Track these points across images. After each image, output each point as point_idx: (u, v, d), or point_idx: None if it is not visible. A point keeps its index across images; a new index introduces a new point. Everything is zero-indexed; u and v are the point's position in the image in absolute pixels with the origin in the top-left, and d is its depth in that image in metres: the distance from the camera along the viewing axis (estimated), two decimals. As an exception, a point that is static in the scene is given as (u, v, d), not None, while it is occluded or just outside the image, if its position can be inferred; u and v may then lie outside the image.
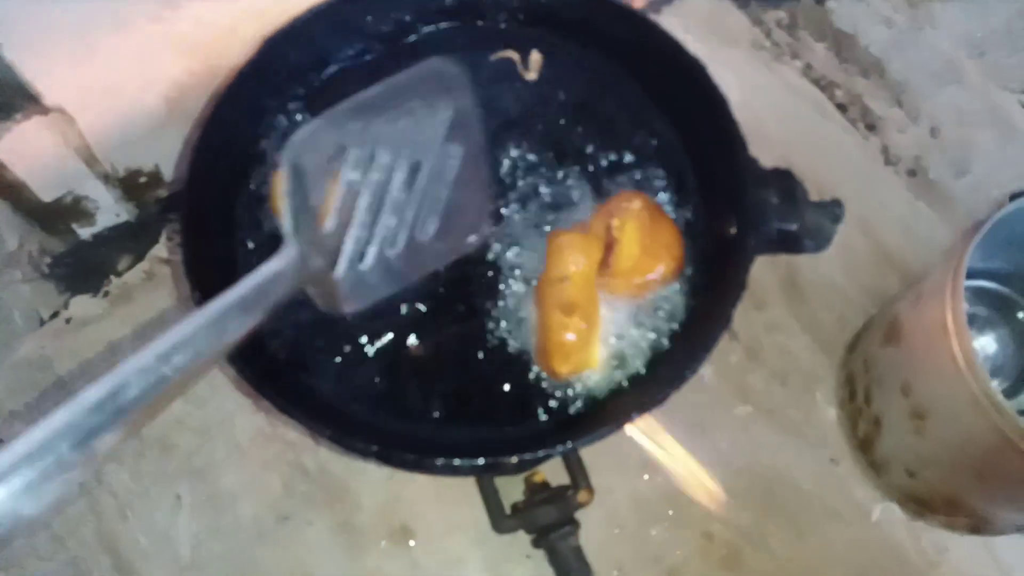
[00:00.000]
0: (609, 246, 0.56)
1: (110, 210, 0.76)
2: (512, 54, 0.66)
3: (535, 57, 0.65)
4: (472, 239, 0.49)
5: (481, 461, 0.48)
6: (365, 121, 0.43)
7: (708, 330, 0.52)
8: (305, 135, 0.42)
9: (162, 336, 0.35)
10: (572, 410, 0.55)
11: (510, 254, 0.60)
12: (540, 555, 0.66)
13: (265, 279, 0.39)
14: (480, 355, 0.58)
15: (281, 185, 0.42)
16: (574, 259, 0.55)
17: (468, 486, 0.68)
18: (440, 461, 0.48)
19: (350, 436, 0.49)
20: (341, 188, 0.43)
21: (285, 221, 0.41)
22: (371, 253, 0.45)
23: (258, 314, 0.38)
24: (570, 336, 0.54)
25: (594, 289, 0.56)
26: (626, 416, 0.49)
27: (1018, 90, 0.85)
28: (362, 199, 0.44)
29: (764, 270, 0.79)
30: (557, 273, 0.55)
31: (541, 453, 0.48)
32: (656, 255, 0.57)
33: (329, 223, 0.43)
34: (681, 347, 0.55)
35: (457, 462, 0.48)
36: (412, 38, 0.67)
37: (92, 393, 0.33)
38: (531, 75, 0.65)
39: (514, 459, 0.48)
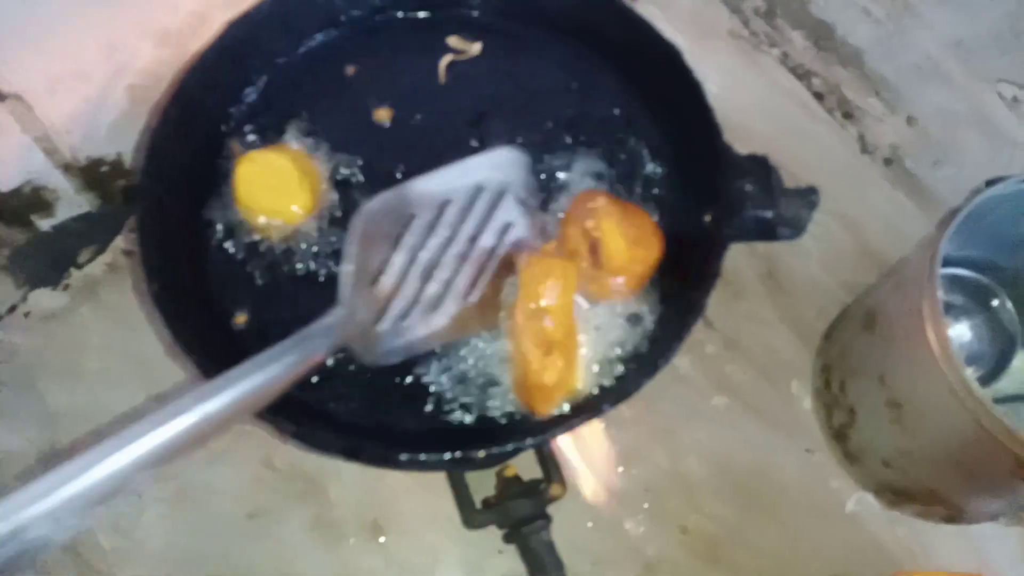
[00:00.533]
0: (593, 248, 0.55)
1: (71, 201, 0.74)
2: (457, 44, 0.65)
3: (474, 48, 0.65)
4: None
5: (448, 455, 0.46)
6: (434, 196, 0.48)
7: (682, 320, 0.51)
8: (378, 204, 0.46)
9: (207, 387, 0.38)
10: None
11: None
12: (513, 550, 0.65)
13: (314, 333, 0.43)
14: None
15: (348, 247, 0.46)
16: (552, 289, 0.52)
17: (441, 480, 0.67)
18: (405, 456, 0.46)
19: (314, 433, 0.47)
20: (401, 253, 0.47)
21: (344, 283, 0.45)
22: (415, 313, 0.49)
23: (300, 367, 0.42)
24: (549, 377, 0.51)
25: (572, 316, 0.54)
26: (597, 408, 0.48)
27: (995, 80, 0.84)
28: (417, 266, 0.48)
29: (742, 259, 0.78)
30: (534, 304, 0.52)
31: (510, 447, 0.47)
32: (643, 243, 0.56)
33: (385, 282, 0.47)
34: (655, 337, 0.54)
35: (423, 457, 0.46)
36: (381, 20, 0.65)
37: (143, 440, 0.36)
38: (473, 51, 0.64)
39: (481, 453, 0.47)
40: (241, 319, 0.57)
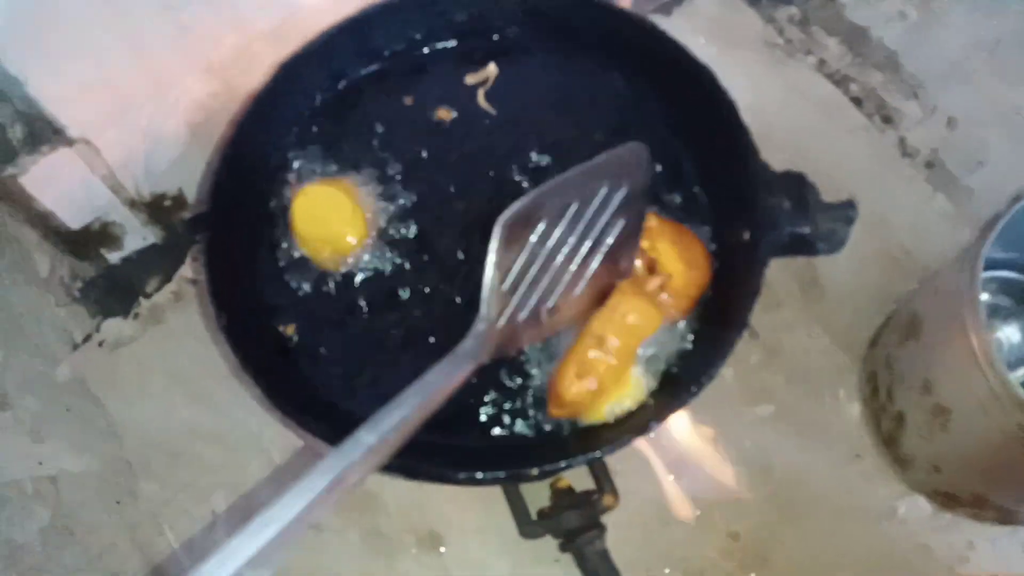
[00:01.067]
0: (651, 268, 0.57)
1: (137, 234, 0.78)
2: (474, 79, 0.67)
3: (490, 69, 0.67)
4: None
5: (503, 474, 0.49)
6: (560, 198, 0.49)
7: (724, 335, 0.52)
8: (513, 214, 0.47)
9: (379, 412, 0.43)
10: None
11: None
12: (568, 559, 0.67)
13: (465, 352, 0.46)
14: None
15: (489, 258, 0.47)
16: (625, 329, 0.54)
17: (495, 492, 0.69)
18: (463, 475, 0.48)
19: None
20: (524, 254, 0.49)
21: (486, 297, 0.48)
22: (528, 306, 0.50)
23: (456, 382, 0.45)
24: (569, 394, 0.54)
25: (629, 359, 0.55)
26: (644, 425, 0.50)
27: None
28: (536, 264, 0.49)
29: (782, 269, 0.79)
30: (602, 331, 0.54)
31: (563, 464, 0.49)
32: (695, 263, 0.58)
33: (507, 282, 0.49)
34: (698, 352, 0.55)
35: (480, 475, 0.49)
36: (424, 51, 0.68)
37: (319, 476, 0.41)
38: (473, 79, 0.66)
39: (535, 471, 0.49)
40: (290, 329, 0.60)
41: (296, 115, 0.65)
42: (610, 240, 0.52)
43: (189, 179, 0.77)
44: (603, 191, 0.50)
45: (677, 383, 0.54)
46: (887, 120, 0.84)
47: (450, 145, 0.66)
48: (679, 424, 0.73)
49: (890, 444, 0.70)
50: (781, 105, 0.84)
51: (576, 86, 0.67)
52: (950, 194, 0.81)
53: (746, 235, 0.55)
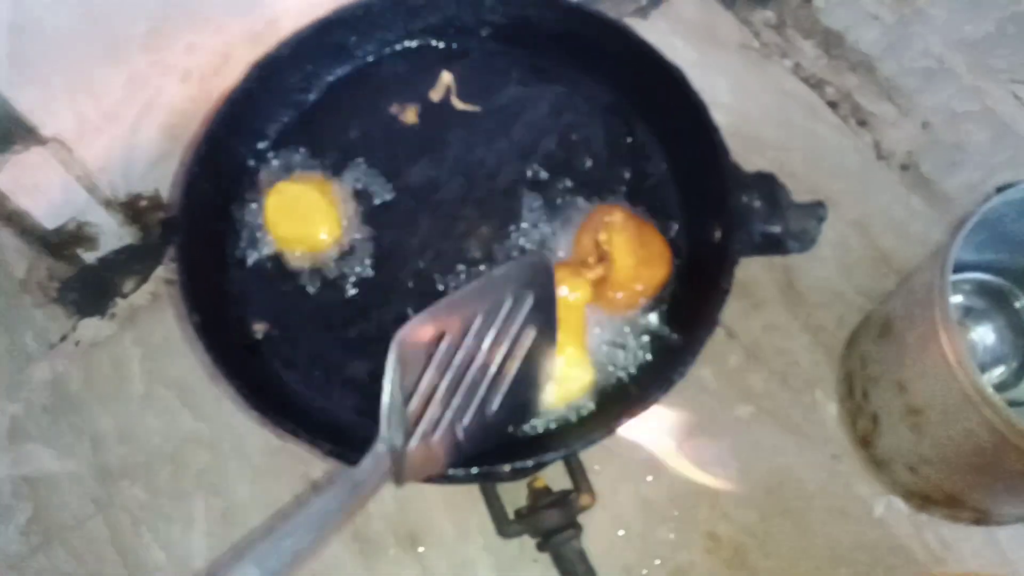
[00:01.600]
0: (601, 259, 0.57)
1: (113, 234, 0.78)
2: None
3: (445, 78, 0.67)
4: (528, 418, 0.53)
5: (475, 470, 0.49)
6: (461, 313, 0.47)
7: (695, 334, 0.52)
8: (410, 330, 0.45)
9: (264, 542, 0.40)
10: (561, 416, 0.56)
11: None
12: (546, 559, 0.67)
13: (360, 477, 0.43)
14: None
15: (386, 378, 0.44)
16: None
17: (474, 493, 0.69)
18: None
19: (350, 450, 0.50)
20: (430, 373, 0.46)
21: (384, 416, 0.44)
22: (441, 427, 0.47)
23: (353, 509, 0.43)
24: None
25: (578, 332, 0.56)
26: (615, 421, 0.50)
27: (1008, 80, 0.85)
28: (444, 381, 0.47)
29: (761, 270, 0.79)
30: None
31: (531, 462, 0.49)
32: (649, 262, 0.58)
33: (413, 404, 0.46)
34: (669, 351, 0.56)
35: (451, 472, 0.49)
36: (398, 52, 0.68)
37: None
38: (436, 95, 0.66)
39: (507, 467, 0.49)
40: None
41: (270, 115, 0.65)
42: (522, 353, 0.50)
43: (165, 180, 0.77)
44: (508, 302, 0.49)
45: (648, 382, 0.54)
46: (862, 123, 0.85)
47: (423, 144, 0.66)
48: (658, 424, 0.73)
49: (866, 445, 0.70)
50: (758, 107, 0.85)
51: (547, 88, 0.67)
52: (925, 196, 0.82)
53: (717, 234, 0.56)
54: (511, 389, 0.50)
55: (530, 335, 0.50)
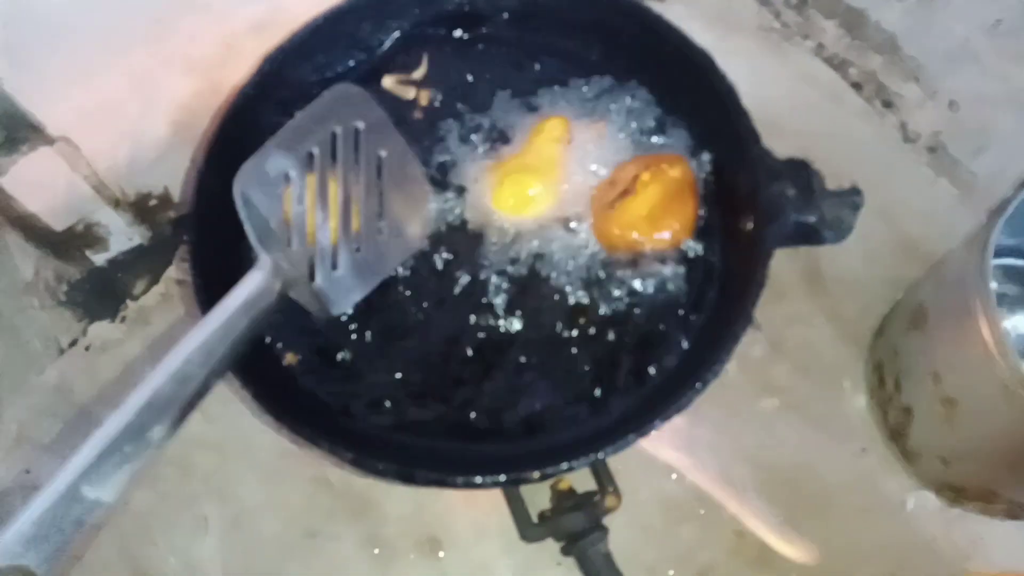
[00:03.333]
0: (625, 192, 0.57)
1: (122, 234, 0.76)
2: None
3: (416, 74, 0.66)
4: (420, 227, 0.57)
5: (503, 477, 0.47)
6: (297, 147, 0.51)
7: (729, 329, 0.50)
8: (247, 170, 0.50)
9: (169, 357, 0.45)
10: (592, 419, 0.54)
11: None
12: (571, 562, 0.65)
13: (249, 293, 0.47)
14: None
15: (243, 218, 0.50)
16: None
17: (495, 495, 0.68)
18: (461, 479, 0.47)
19: (371, 458, 0.48)
20: (293, 208, 0.51)
21: (252, 242, 0.50)
22: (342, 259, 0.52)
23: (247, 326, 0.46)
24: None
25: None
26: (649, 423, 0.49)
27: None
28: (317, 214, 0.51)
29: (784, 261, 0.75)
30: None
31: (564, 466, 0.47)
32: (656, 225, 0.58)
33: (294, 242, 0.51)
34: (702, 347, 0.54)
35: (478, 479, 0.47)
36: (412, 40, 0.66)
37: (129, 409, 0.43)
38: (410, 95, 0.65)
39: (536, 474, 0.47)
40: (292, 358, 0.59)
41: (283, 109, 0.63)
42: (384, 173, 0.55)
43: (174, 177, 0.75)
44: (342, 131, 0.53)
45: (681, 380, 0.52)
46: (887, 104, 0.83)
47: (435, 134, 0.64)
48: (681, 420, 0.70)
49: (897, 437, 0.69)
50: (780, 91, 0.83)
51: (570, 74, 0.65)
52: (953, 178, 0.80)
53: (749, 225, 0.54)
54: (394, 207, 0.55)
55: (383, 156, 0.55)
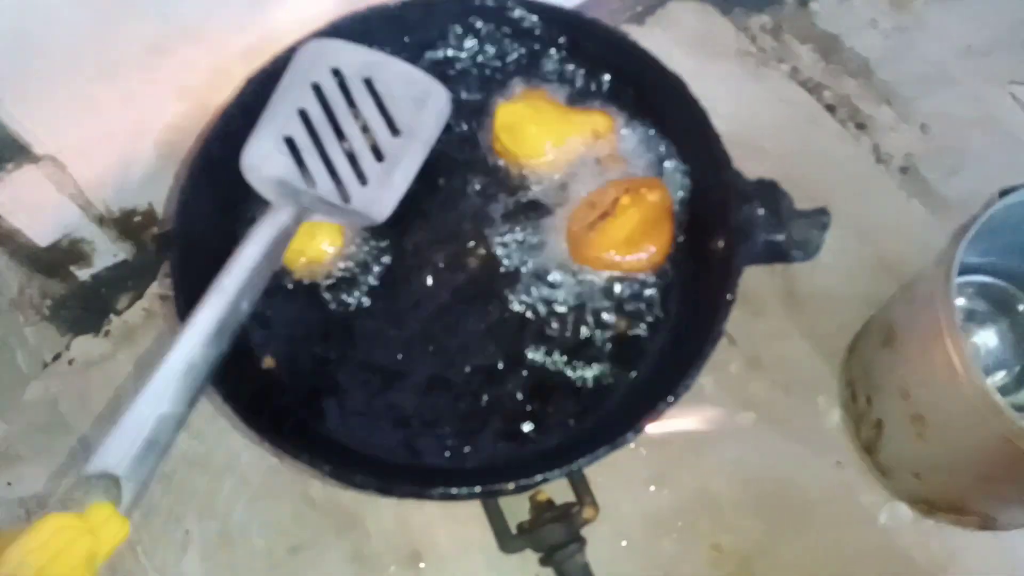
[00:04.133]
0: (605, 214, 0.59)
1: (107, 251, 0.76)
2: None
3: None
4: (437, 111, 0.61)
5: (479, 489, 0.48)
6: (287, 113, 0.58)
7: (700, 345, 0.52)
8: (250, 151, 0.57)
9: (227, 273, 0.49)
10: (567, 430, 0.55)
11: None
12: (549, 573, 0.66)
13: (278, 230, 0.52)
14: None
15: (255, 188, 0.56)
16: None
17: (476, 508, 0.68)
18: (438, 491, 0.48)
19: (349, 471, 0.49)
20: (307, 159, 0.57)
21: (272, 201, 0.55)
22: (368, 173, 0.58)
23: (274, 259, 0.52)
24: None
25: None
26: (622, 436, 0.50)
27: (1007, 83, 0.84)
28: (331, 150, 0.57)
29: (761, 278, 0.79)
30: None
31: (538, 478, 0.48)
32: (634, 247, 0.60)
33: (319, 182, 0.57)
34: (674, 362, 0.55)
35: (454, 491, 0.48)
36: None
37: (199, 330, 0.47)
38: None
39: (511, 486, 0.48)
40: (269, 362, 0.59)
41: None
42: (380, 88, 0.60)
43: (159, 195, 0.76)
44: (321, 80, 0.59)
45: (651, 395, 0.53)
46: (861, 127, 0.85)
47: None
48: (659, 434, 0.72)
49: (870, 451, 0.70)
50: (757, 114, 0.85)
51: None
52: (925, 200, 0.82)
53: (720, 243, 0.55)
54: (401, 114, 0.60)
55: (372, 77, 0.60)
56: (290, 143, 0.58)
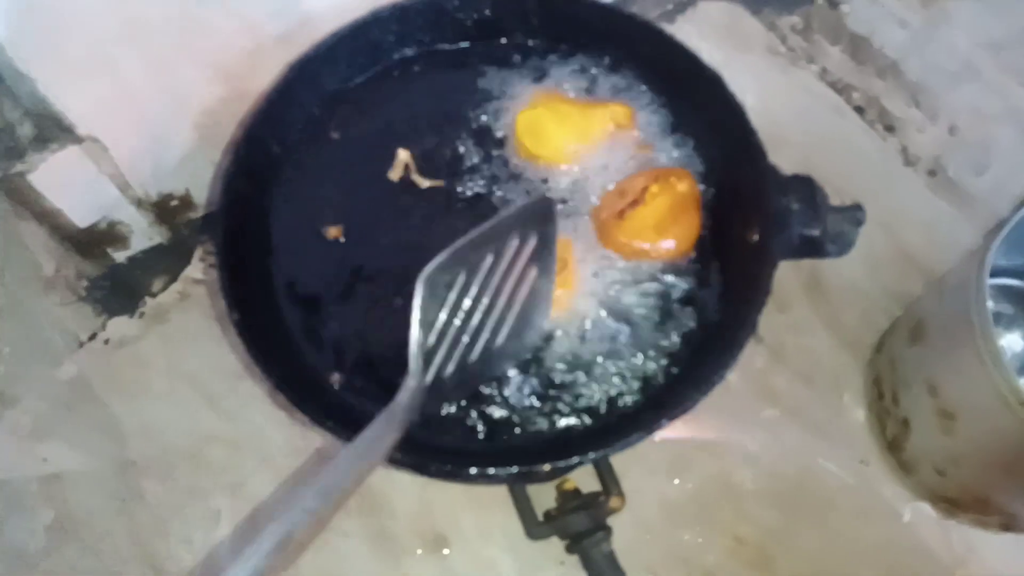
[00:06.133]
0: (635, 202, 0.60)
1: (143, 234, 0.78)
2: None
3: (402, 156, 0.65)
4: (532, 342, 0.56)
5: (515, 469, 0.49)
6: (477, 251, 0.50)
7: (734, 336, 0.52)
8: (435, 266, 0.48)
9: (321, 476, 0.43)
10: (600, 417, 0.56)
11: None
12: (574, 560, 0.67)
13: (397, 410, 0.46)
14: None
15: (414, 315, 0.47)
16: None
17: (501, 493, 0.69)
18: (474, 470, 0.49)
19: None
20: (447, 308, 0.49)
21: (413, 353, 0.48)
22: (453, 361, 0.50)
23: (391, 441, 0.46)
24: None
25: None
26: (655, 423, 0.50)
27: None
28: (456, 318, 0.49)
29: (787, 272, 0.78)
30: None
31: (575, 460, 0.49)
32: (663, 235, 0.60)
33: (431, 338, 0.49)
34: (707, 353, 0.56)
35: (492, 471, 0.49)
36: (434, 53, 0.69)
37: (268, 538, 0.40)
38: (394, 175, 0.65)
39: (547, 467, 0.49)
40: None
41: (306, 116, 0.65)
42: (525, 290, 0.53)
43: (197, 180, 0.77)
44: (515, 242, 0.51)
45: (685, 385, 0.54)
46: (889, 128, 0.85)
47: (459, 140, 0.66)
48: (684, 427, 0.73)
49: (894, 448, 0.70)
50: (785, 112, 0.85)
51: (583, 90, 0.67)
52: (952, 199, 0.82)
53: (755, 236, 0.56)
54: (515, 323, 0.53)
55: (532, 273, 0.53)
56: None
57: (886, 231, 0.80)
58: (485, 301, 0.51)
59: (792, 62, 0.89)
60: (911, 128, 0.85)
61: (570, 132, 0.63)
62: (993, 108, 0.85)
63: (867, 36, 0.88)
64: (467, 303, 0.50)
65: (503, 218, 0.50)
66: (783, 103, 0.86)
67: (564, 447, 0.51)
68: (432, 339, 0.48)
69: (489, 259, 0.50)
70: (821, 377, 0.76)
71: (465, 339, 0.50)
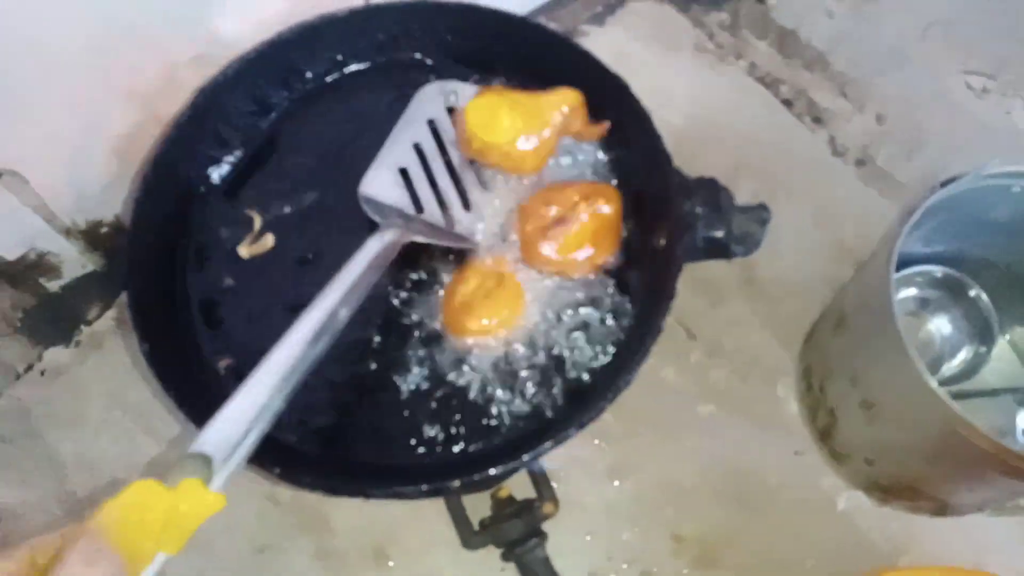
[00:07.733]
0: (561, 220, 0.59)
1: (75, 262, 0.77)
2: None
3: (268, 240, 0.67)
4: None
5: (424, 487, 0.49)
6: (404, 146, 0.63)
7: (641, 341, 0.53)
8: (370, 178, 0.61)
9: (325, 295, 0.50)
10: (514, 428, 0.56)
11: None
12: (512, 568, 0.67)
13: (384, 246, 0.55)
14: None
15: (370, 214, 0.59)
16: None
17: (440, 504, 0.70)
18: (381, 490, 0.49)
19: (299, 473, 0.50)
20: (420, 189, 0.62)
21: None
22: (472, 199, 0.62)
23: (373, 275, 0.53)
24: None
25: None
26: (564, 432, 0.51)
27: (962, 71, 0.85)
28: (439, 175, 0.62)
29: (722, 267, 0.80)
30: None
31: (476, 476, 0.49)
32: (584, 251, 0.60)
33: (427, 208, 0.61)
34: (616, 358, 0.56)
35: (399, 490, 0.49)
36: (347, 72, 0.69)
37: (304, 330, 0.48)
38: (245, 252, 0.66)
39: (456, 483, 0.49)
40: (224, 362, 0.60)
41: (219, 140, 0.65)
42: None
43: (125, 206, 0.77)
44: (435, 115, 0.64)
45: (593, 390, 0.55)
46: (817, 120, 0.86)
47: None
48: (621, 427, 0.73)
49: (826, 439, 0.71)
50: (715, 109, 0.86)
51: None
52: (882, 188, 0.83)
53: (662, 241, 0.56)
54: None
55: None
56: (404, 173, 0.62)
57: (819, 223, 0.81)
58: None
59: (720, 59, 0.89)
60: (839, 119, 0.86)
61: (522, 117, 0.62)
62: (921, 94, 0.86)
63: (794, 29, 0.89)
64: (433, 168, 0.62)
65: (403, 119, 0.64)
66: (713, 101, 0.86)
67: (470, 463, 0.51)
68: (427, 205, 0.61)
69: (419, 141, 0.63)
70: (757, 371, 0.76)
71: (452, 188, 0.62)
